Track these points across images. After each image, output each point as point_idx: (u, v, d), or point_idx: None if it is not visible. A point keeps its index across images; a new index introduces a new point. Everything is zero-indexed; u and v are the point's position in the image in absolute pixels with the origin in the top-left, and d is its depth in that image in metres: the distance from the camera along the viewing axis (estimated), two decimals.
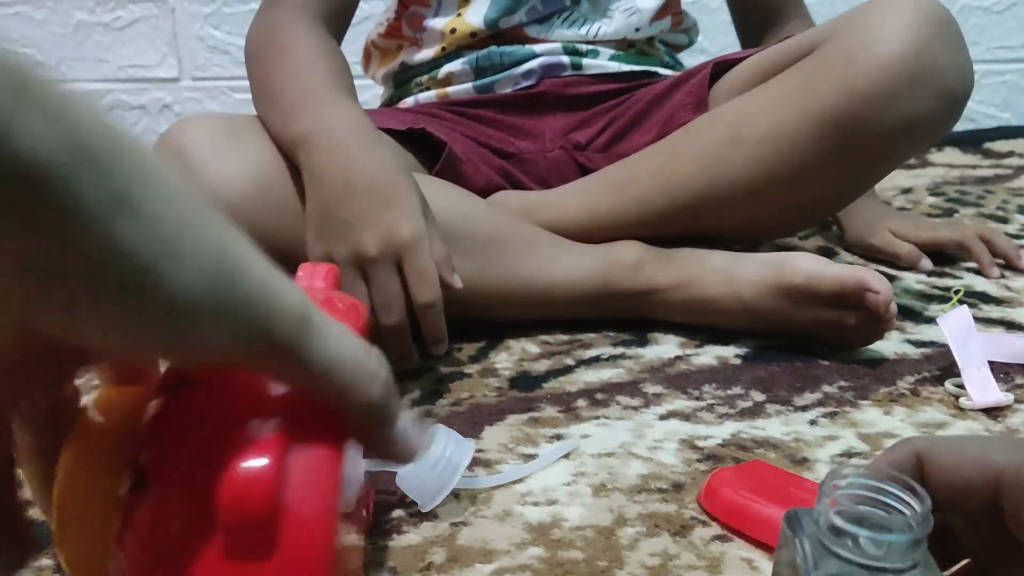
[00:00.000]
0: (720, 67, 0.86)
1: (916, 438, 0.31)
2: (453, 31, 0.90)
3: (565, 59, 0.90)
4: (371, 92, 1.44)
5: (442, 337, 0.65)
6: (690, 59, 1.02)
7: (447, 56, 0.92)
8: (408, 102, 0.95)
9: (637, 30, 0.92)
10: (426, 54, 0.92)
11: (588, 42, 0.91)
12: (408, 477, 0.50)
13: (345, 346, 0.31)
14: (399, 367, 0.68)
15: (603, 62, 0.92)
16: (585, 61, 0.91)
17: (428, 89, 0.94)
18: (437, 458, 0.50)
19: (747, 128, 0.74)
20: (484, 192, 0.83)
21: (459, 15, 0.90)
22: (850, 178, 0.76)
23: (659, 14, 0.93)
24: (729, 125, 0.76)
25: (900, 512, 0.30)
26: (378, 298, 0.63)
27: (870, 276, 0.69)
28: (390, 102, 0.99)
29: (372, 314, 0.63)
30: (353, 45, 0.92)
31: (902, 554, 0.29)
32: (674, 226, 0.78)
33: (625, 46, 0.94)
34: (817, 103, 0.71)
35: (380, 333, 0.64)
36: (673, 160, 0.78)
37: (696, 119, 0.81)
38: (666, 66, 0.96)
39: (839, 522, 0.30)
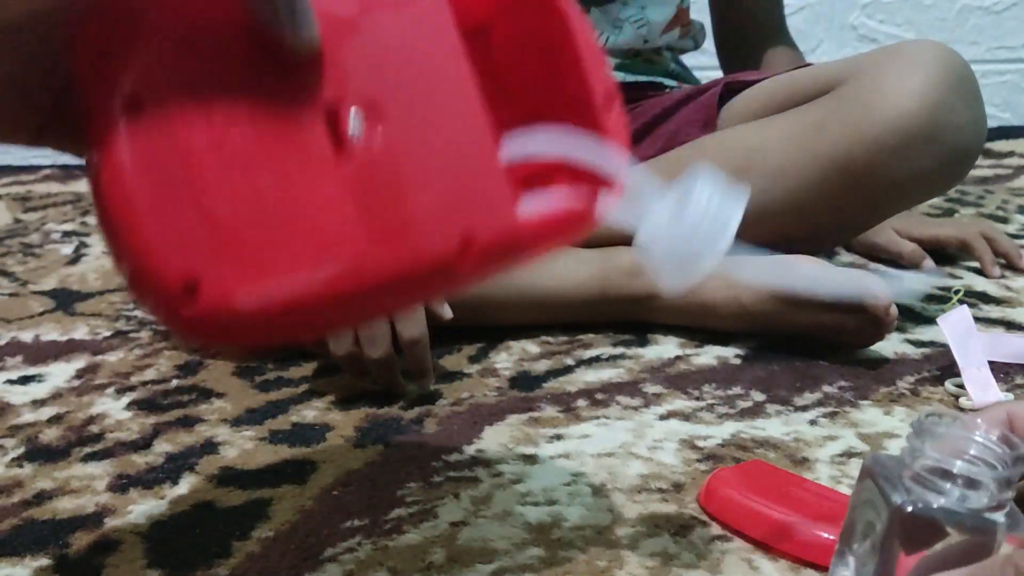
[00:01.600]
0: (731, 86, 0.85)
1: (1005, 401, 0.33)
2: None
3: None
4: None
5: (427, 371, 0.66)
6: (690, 59, 1.02)
7: None
8: None
9: (646, 41, 0.92)
10: None
11: None
12: (656, 239, 0.37)
13: None
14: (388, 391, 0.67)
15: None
16: None
17: None
18: (701, 215, 0.35)
19: (757, 160, 0.74)
20: None
21: None
22: (853, 219, 0.77)
23: (669, 26, 0.93)
24: (739, 155, 0.76)
25: (990, 458, 0.31)
26: (364, 332, 0.63)
27: (870, 280, 0.69)
28: None
29: (358, 346, 0.64)
30: None
31: (991, 493, 0.30)
32: None
33: (632, 55, 0.94)
34: (828, 147, 0.71)
35: (367, 365, 0.64)
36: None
37: (705, 139, 0.81)
38: (672, 74, 0.96)
39: (933, 460, 0.31)
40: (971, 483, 0.30)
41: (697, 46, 1.01)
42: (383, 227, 0.31)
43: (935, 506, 0.30)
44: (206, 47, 0.30)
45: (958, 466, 0.31)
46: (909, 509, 0.31)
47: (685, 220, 0.35)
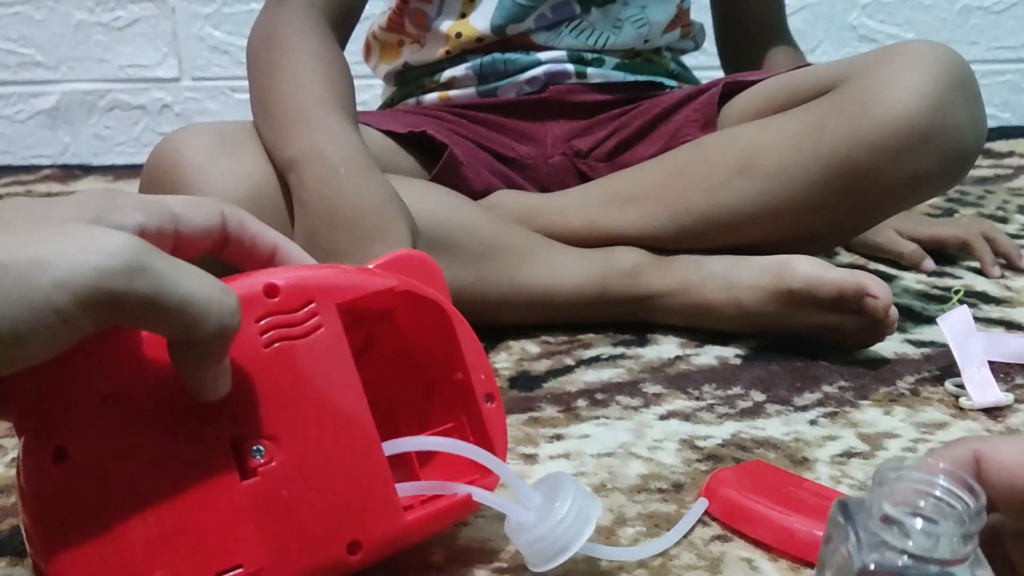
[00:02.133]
0: (731, 86, 0.85)
1: (972, 437, 0.31)
2: (459, 35, 0.89)
3: (570, 67, 0.90)
4: (371, 92, 1.44)
5: None
6: (690, 59, 1.02)
7: (451, 60, 0.91)
8: (410, 103, 0.95)
9: (646, 42, 0.92)
10: (429, 55, 0.92)
11: (595, 51, 0.91)
12: (522, 530, 0.42)
13: (194, 281, 0.32)
14: None
15: (608, 71, 0.91)
16: (590, 70, 0.90)
17: (430, 91, 0.93)
18: (563, 515, 0.41)
19: (758, 161, 0.74)
20: (483, 196, 0.83)
21: (464, 16, 0.90)
22: (853, 219, 0.77)
23: (669, 26, 0.93)
24: (740, 155, 0.76)
25: (953, 506, 0.30)
26: None
27: (869, 280, 0.69)
28: (391, 102, 0.98)
29: None
30: (355, 44, 0.92)
31: (953, 547, 0.29)
32: (673, 244, 0.78)
33: (632, 55, 0.93)
34: (829, 148, 0.71)
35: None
36: (679, 181, 0.78)
37: (705, 138, 0.81)
38: (672, 74, 0.96)
39: (891, 511, 0.30)
40: (933, 537, 0.30)
41: (697, 46, 1.01)
42: (280, 542, 0.37)
43: (898, 564, 0.30)
44: (128, 400, 0.36)
45: (919, 524, 0.30)
46: (872, 568, 0.30)
47: (551, 519, 0.41)
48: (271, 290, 0.39)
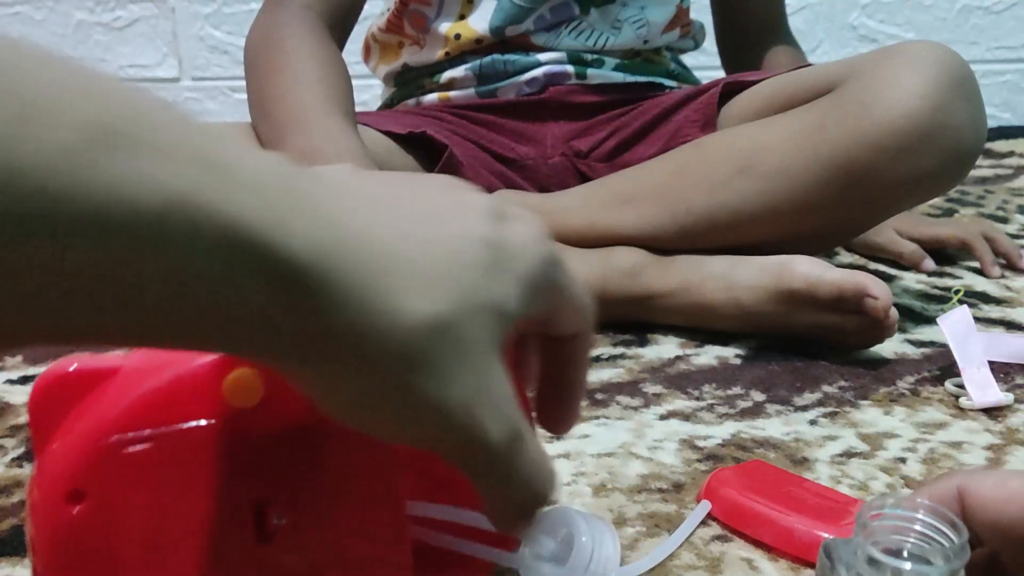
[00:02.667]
0: (731, 86, 0.85)
1: (958, 472, 0.31)
2: (458, 36, 0.89)
3: (570, 68, 0.90)
4: (371, 93, 1.44)
5: None
6: (690, 59, 1.02)
7: (450, 61, 0.91)
8: (410, 103, 0.95)
9: (646, 42, 0.92)
10: (429, 57, 0.92)
11: (594, 51, 0.91)
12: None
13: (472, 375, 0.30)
14: None
15: (608, 72, 0.91)
16: (590, 71, 0.91)
17: (430, 92, 0.93)
18: (588, 559, 0.38)
19: (758, 161, 0.74)
20: None
21: (463, 18, 0.90)
22: (854, 219, 0.77)
23: (669, 26, 0.93)
24: (740, 155, 0.76)
25: (938, 543, 0.30)
26: None
27: (869, 281, 0.69)
28: (391, 102, 0.98)
29: None
30: (354, 45, 0.92)
31: None
32: (673, 244, 0.78)
33: (631, 55, 0.93)
34: (829, 148, 0.71)
35: None
36: (679, 181, 0.78)
37: (705, 139, 0.81)
38: (672, 75, 0.96)
39: (876, 553, 0.30)
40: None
41: (697, 46, 1.01)
42: None
43: None
44: (153, 447, 0.33)
45: (907, 566, 0.30)
46: None
47: (576, 563, 0.38)
48: None
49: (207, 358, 0.34)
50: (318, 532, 0.36)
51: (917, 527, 0.31)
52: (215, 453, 0.34)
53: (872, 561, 0.30)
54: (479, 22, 0.89)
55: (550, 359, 0.38)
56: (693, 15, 0.98)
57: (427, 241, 0.30)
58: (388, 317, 0.27)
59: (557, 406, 0.38)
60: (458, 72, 0.91)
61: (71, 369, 0.35)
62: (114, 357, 0.35)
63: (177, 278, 0.24)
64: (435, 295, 0.28)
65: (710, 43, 1.04)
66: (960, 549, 0.29)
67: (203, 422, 0.33)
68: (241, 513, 0.34)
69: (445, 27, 0.90)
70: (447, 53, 0.91)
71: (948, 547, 0.30)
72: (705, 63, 1.14)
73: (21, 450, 0.60)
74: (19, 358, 0.75)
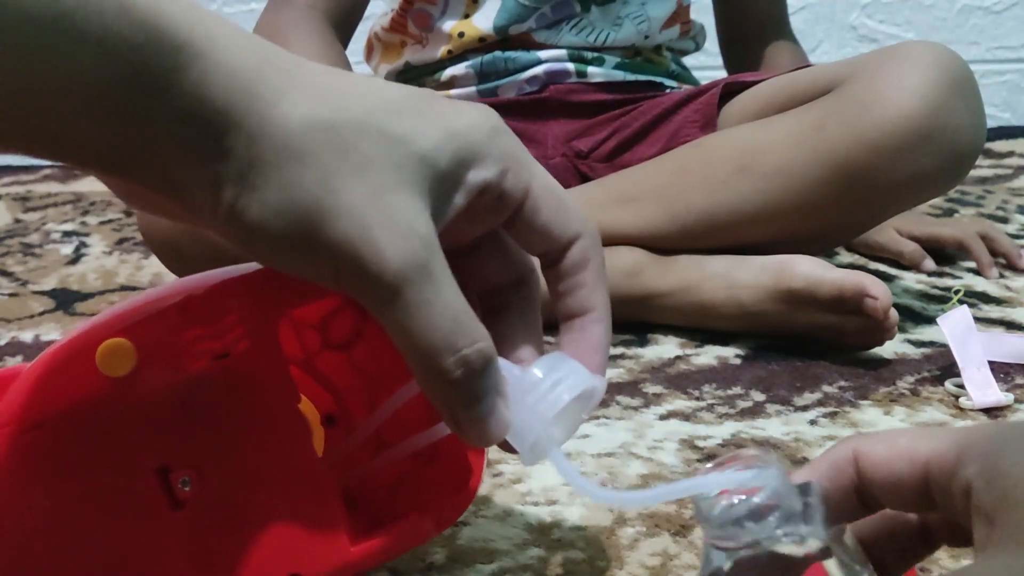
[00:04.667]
0: (731, 87, 0.86)
1: (854, 436, 0.31)
2: (461, 35, 0.90)
3: (570, 66, 0.90)
4: None
5: None
6: (690, 59, 1.02)
7: (452, 59, 0.92)
8: None
9: (646, 38, 0.92)
10: (431, 55, 0.92)
11: (594, 49, 0.91)
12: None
13: (440, 310, 0.29)
14: None
15: (608, 70, 0.91)
16: (590, 69, 0.91)
17: (431, 90, 0.94)
18: (529, 387, 0.33)
19: (757, 161, 0.74)
20: None
21: (467, 17, 0.90)
22: (853, 219, 0.77)
23: (669, 22, 0.93)
24: (739, 155, 0.76)
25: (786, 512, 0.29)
26: None
27: (869, 281, 0.69)
28: None
29: None
30: (356, 44, 0.92)
31: (778, 524, 0.28)
32: (673, 244, 0.78)
33: (632, 54, 0.93)
34: (828, 148, 0.71)
35: None
36: (679, 181, 0.78)
37: (705, 139, 0.81)
38: (672, 75, 0.96)
39: (716, 557, 0.30)
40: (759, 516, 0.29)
41: (698, 47, 1.01)
42: (210, 575, 0.35)
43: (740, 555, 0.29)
44: (52, 429, 0.33)
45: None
46: (727, 567, 0.30)
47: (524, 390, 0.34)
48: (190, 303, 0.34)
49: (82, 333, 0.34)
50: (229, 489, 0.35)
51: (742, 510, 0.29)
52: (104, 427, 0.34)
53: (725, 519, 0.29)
54: (483, 21, 0.89)
55: (557, 285, 0.35)
56: (694, 15, 0.98)
57: (340, 75, 0.30)
58: (271, 107, 0.28)
59: (581, 340, 0.36)
60: (459, 70, 0.91)
61: None
62: (18, 366, 0.35)
63: (68, 54, 0.25)
64: (326, 105, 0.29)
65: (710, 43, 1.04)
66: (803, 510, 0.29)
67: (82, 398, 0.33)
68: (146, 483, 0.34)
69: (449, 25, 0.90)
70: (449, 51, 0.91)
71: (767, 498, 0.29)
72: (705, 63, 1.14)
73: None
74: (19, 358, 0.75)
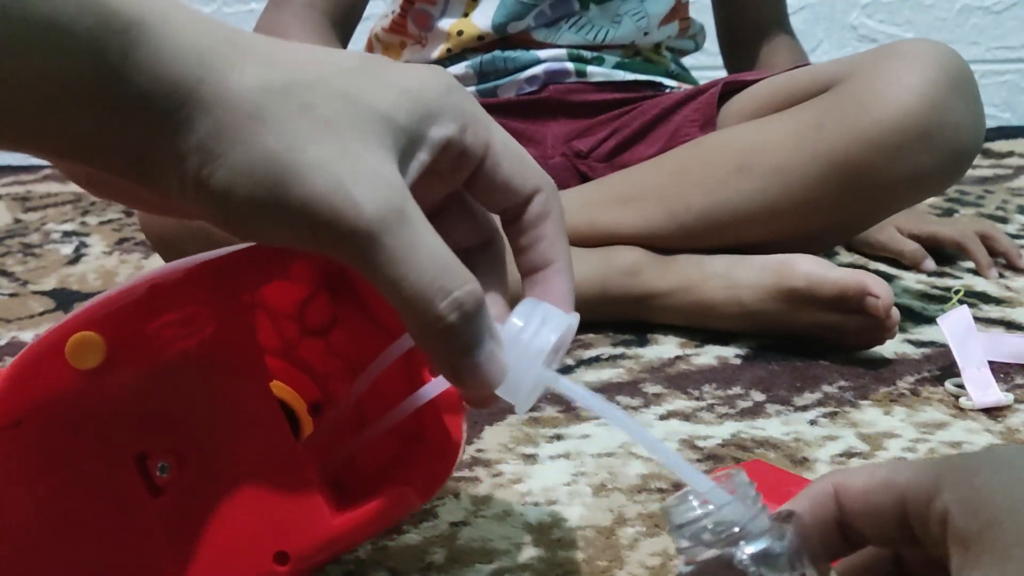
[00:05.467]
0: (730, 86, 0.86)
1: (834, 471, 0.31)
2: (460, 33, 0.90)
3: (569, 66, 0.90)
4: None
5: None
6: (690, 59, 1.02)
7: (451, 58, 0.92)
8: None
9: (646, 34, 0.92)
10: (430, 54, 0.92)
11: (594, 47, 0.91)
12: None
13: (422, 251, 0.29)
14: None
15: (608, 70, 0.91)
16: (590, 68, 0.91)
17: None
18: (516, 333, 0.33)
19: (756, 159, 0.74)
20: None
21: (466, 16, 0.90)
22: (853, 218, 0.77)
23: (667, 18, 0.93)
24: (738, 153, 0.76)
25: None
26: None
27: (871, 280, 0.69)
28: None
29: None
30: (356, 44, 0.92)
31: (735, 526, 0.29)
32: (673, 243, 0.78)
33: (631, 53, 0.94)
34: (827, 146, 0.71)
35: None
36: (679, 181, 0.78)
37: (704, 138, 0.81)
38: (672, 75, 0.96)
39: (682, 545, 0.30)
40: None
41: (698, 47, 1.01)
42: (201, 561, 0.35)
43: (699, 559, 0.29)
44: (29, 425, 0.33)
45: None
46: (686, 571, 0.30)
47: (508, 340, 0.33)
48: (156, 291, 0.34)
49: (51, 330, 0.34)
50: (207, 473, 0.36)
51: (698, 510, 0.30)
52: (80, 420, 0.34)
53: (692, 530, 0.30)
54: (482, 19, 0.89)
55: (519, 239, 0.35)
56: (693, 14, 0.98)
57: (293, 46, 0.30)
58: (226, 76, 0.28)
59: (547, 292, 0.35)
60: (459, 69, 0.91)
61: None
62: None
63: (20, 42, 0.26)
64: (281, 71, 0.29)
65: (710, 43, 1.04)
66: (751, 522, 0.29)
67: (56, 393, 0.34)
68: (126, 472, 0.35)
69: (448, 24, 0.90)
70: (448, 50, 0.91)
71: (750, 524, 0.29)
72: (706, 63, 1.14)
73: None
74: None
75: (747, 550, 0.28)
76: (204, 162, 0.28)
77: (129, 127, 0.28)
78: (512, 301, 0.36)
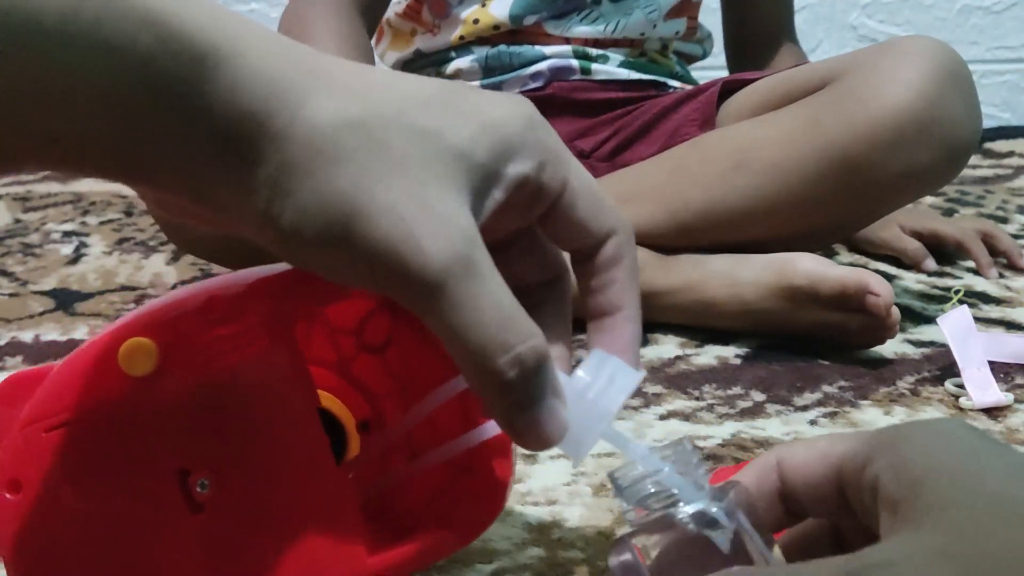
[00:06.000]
0: (729, 85, 0.86)
1: (779, 446, 0.31)
2: (476, 22, 0.91)
3: (574, 63, 0.91)
4: None
5: None
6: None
7: (459, 49, 0.92)
8: None
9: (655, 26, 0.93)
10: (442, 41, 0.93)
11: (601, 43, 0.92)
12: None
13: (488, 304, 0.28)
14: None
15: (612, 68, 0.92)
16: (594, 66, 0.91)
17: None
18: (582, 389, 0.32)
19: (753, 156, 0.75)
20: None
21: (484, 5, 0.91)
22: (851, 215, 0.77)
23: (675, 12, 0.94)
24: (736, 151, 0.76)
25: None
26: None
27: (871, 279, 0.69)
28: None
29: None
30: None
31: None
32: (672, 241, 0.78)
33: (637, 54, 0.94)
34: (825, 141, 0.71)
35: None
36: (677, 179, 0.78)
37: (703, 136, 0.81)
38: (676, 76, 0.96)
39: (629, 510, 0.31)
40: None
41: (706, 54, 1.02)
42: None
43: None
44: (75, 429, 0.33)
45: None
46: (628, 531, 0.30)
47: (573, 394, 0.32)
48: (213, 303, 0.34)
49: (107, 333, 0.34)
50: (247, 494, 0.35)
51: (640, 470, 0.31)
52: (126, 427, 0.34)
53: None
54: (499, 9, 0.90)
55: (588, 281, 0.34)
56: (701, 19, 0.99)
57: (370, 72, 0.30)
58: (299, 109, 0.27)
59: (614, 340, 0.34)
60: (464, 63, 0.92)
61: (19, 374, 0.35)
62: (49, 365, 0.35)
63: (95, 70, 0.25)
64: (355, 103, 0.28)
65: (715, 47, 1.04)
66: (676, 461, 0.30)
67: (105, 397, 0.33)
68: (165, 485, 0.34)
69: (466, 13, 0.91)
70: (461, 37, 0.91)
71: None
72: (706, 63, 1.14)
73: None
74: (19, 358, 0.75)
75: (687, 509, 0.29)
76: (273, 198, 0.28)
77: (199, 158, 0.27)
78: None
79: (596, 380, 0.32)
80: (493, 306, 0.28)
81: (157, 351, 0.33)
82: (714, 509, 0.29)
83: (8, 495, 0.33)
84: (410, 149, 0.28)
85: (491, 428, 0.36)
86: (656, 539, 0.29)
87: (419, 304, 0.28)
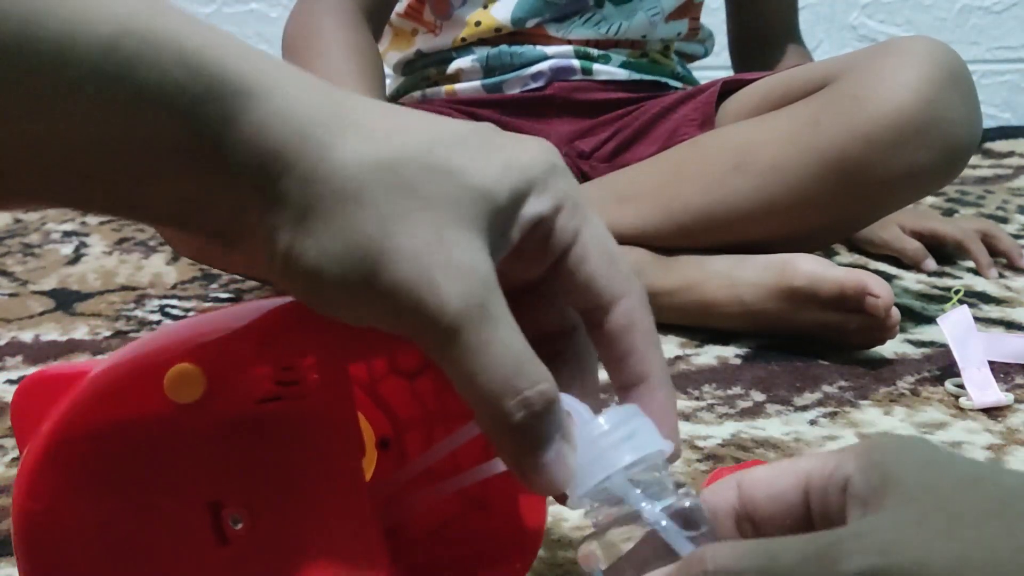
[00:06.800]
0: (729, 85, 0.86)
1: (739, 473, 0.31)
2: (478, 24, 0.91)
3: (575, 63, 0.91)
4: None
5: None
6: (697, 61, 1.03)
7: (460, 49, 0.92)
8: (415, 96, 0.95)
9: (657, 28, 0.93)
10: (443, 42, 0.93)
11: (603, 43, 0.92)
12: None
13: (501, 351, 0.28)
14: None
15: (613, 68, 0.92)
16: (596, 66, 0.91)
17: (436, 84, 0.94)
18: (596, 435, 0.31)
19: (752, 157, 0.75)
20: None
21: (486, 8, 0.91)
22: (850, 216, 0.77)
23: (677, 13, 0.94)
24: (735, 151, 0.76)
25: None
26: None
27: (871, 280, 0.69)
28: (396, 94, 0.99)
29: None
30: None
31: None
32: (671, 242, 0.78)
33: (638, 54, 0.94)
34: (824, 142, 0.71)
35: None
36: (675, 179, 0.78)
37: (702, 137, 0.81)
38: (677, 77, 0.96)
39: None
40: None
41: (707, 53, 1.02)
42: None
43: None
44: (107, 445, 0.33)
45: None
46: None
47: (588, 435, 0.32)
48: (267, 338, 0.33)
49: (153, 351, 0.33)
50: (278, 531, 0.34)
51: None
52: (160, 452, 0.33)
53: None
54: (501, 11, 0.90)
55: (605, 351, 0.33)
56: (704, 20, 0.99)
57: (399, 114, 0.30)
58: (327, 149, 0.27)
59: (645, 411, 0.32)
60: (465, 63, 0.91)
61: (47, 372, 0.34)
62: (88, 362, 0.35)
63: (128, 106, 0.26)
64: (383, 144, 0.28)
65: (716, 47, 1.04)
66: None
67: (144, 420, 0.32)
68: (196, 514, 0.34)
69: (469, 14, 0.91)
70: (463, 39, 0.91)
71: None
72: (707, 63, 1.14)
73: None
74: (19, 358, 0.75)
75: (656, 506, 0.29)
76: (295, 239, 0.28)
77: (224, 197, 0.27)
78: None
79: (614, 432, 0.31)
80: (504, 351, 0.28)
81: (205, 381, 0.32)
82: (687, 503, 0.29)
83: (30, 503, 0.32)
84: (435, 190, 0.28)
85: (497, 464, 0.35)
86: (623, 531, 0.30)
87: (434, 347, 0.28)
